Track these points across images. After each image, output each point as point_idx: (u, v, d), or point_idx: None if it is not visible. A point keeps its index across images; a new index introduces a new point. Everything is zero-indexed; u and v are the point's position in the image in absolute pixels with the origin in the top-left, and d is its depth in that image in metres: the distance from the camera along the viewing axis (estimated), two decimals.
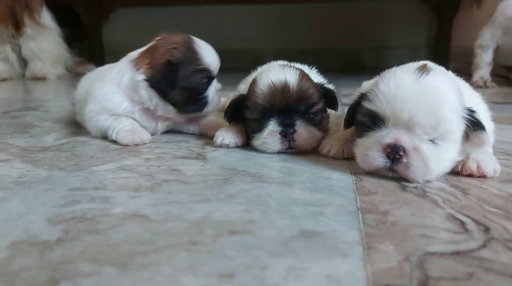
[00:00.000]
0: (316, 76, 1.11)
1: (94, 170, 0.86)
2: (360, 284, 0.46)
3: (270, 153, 0.98)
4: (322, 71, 1.17)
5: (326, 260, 0.50)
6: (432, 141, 0.76)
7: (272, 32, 3.84)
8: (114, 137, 1.08)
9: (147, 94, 1.07)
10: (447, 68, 0.89)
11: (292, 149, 0.98)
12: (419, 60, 0.96)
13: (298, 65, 1.11)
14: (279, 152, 0.98)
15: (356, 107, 0.86)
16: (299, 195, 0.71)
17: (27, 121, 1.43)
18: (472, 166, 0.81)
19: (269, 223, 0.60)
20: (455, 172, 0.82)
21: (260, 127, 0.99)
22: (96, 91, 1.12)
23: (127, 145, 1.05)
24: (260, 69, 1.15)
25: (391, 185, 0.77)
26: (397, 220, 0.61)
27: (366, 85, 0.97)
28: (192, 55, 1.08)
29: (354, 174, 0.84)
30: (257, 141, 1.00)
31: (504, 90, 2.30)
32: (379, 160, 0.78)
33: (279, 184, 0.77)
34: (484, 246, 0.54)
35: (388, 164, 0.77)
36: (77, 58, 3.38)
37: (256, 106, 0.98)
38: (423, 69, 0.78)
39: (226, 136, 1.05)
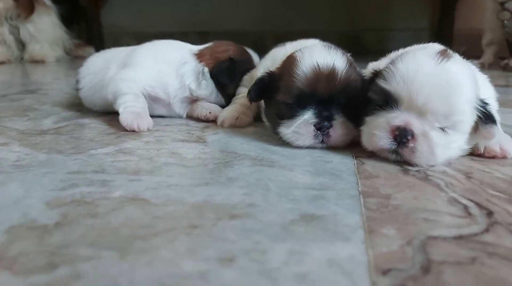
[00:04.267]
0: None
1: (93, 153, 0.85)
2: (361, 268, 0.45)
3: (299, 146, 0.88)
4: None
5: (327, 244, 0.50)
6: (441, 129, 0.75)
7: (273, 14, 3.79)
8: (119, 108, 1.07)
9: (205, 83, 1.16)
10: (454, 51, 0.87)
11: (323, 144, 0.87)
12: (423, 43, 0.94)
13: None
14: (308, 147, 0.88)
15: (368, 84, 0.84)
16: (300, 179, 0.70)
17: (25, 104, 1.41)
18: (496, 148, 0.81)
19: (269, 206, 0.59)
20: (477, 154, 0.82)
21: (292, 114, 0.88)
22: (148, 64, 1.16)
23: (124, 127, 1.02)
24: (289, 46, 1.11)
25: (393, 168, 0.76)
26: (399, 204, 0.60)
27: (372, 66, 0.95)
28: (247, 57, 1.24)
29: (355, 157, 0.83)
30: (286, 130, 0.88)
31: (506, 73, 2.28)
32: (385, 141, 0.77)
33: (280, 168, 0.76)
34: (487, 230, 0.53)
35: (393, 146, 0.76)
36: (75, 40, 3.35)
37: (293, 89, 0.87)
38: (444, 55, 0.76)
39: (232, 117, 1.06)
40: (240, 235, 0.51)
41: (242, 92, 1.15)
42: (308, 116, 0.86)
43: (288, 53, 0.99)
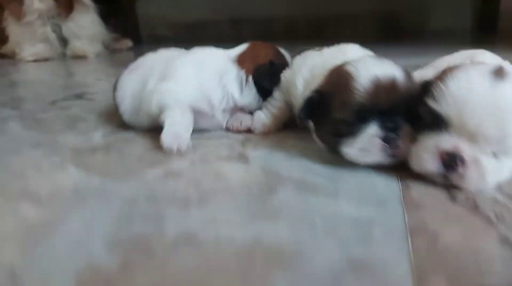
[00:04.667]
0: None
1: (143, 177, 0.89)
2: None
3: (366, 164, 0.85)
4: (360, 38, 1.11)
5: None
6: (494, 154, 0.73)
7: None
8: (164, 124, 1.06)
9: (249, 91, 1.17)
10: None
11: (393, 158, 0.83)
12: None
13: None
14: (378, 165, 0.84)
15: (418, 99, 0.81)
16: (345, 210, 0.71)
17: (73, 114, 1.48)
18: None
19: (316, 248, 0.61)
20: None
21: (353, 131, 0.83)
22: (189, 75, 1.14)
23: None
24: (327, 52, 1.10)
25: (440, 195, 0.75)
26: (449, 245, 0.60)
27: (419, 76, 0.92)
28: (284, 59, 1.27)
29: (400, 179, 0.82)
30: (350, 149, 0.84)
31: None
32: (433, 165, 0.76)
33: (325, 196, 0.77)
34: None
35: (442, 171, 0.75)
36: (113, 34, 3.43)
37: (352, 105, 0.82)
38: (499, 74, 0.74)
39: (262, 125, 1.13)
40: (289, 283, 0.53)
41: (273, 95, 1.18)
42: (373, 130, 0.82)
43: (328, 62, 0.98)
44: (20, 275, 0.57)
